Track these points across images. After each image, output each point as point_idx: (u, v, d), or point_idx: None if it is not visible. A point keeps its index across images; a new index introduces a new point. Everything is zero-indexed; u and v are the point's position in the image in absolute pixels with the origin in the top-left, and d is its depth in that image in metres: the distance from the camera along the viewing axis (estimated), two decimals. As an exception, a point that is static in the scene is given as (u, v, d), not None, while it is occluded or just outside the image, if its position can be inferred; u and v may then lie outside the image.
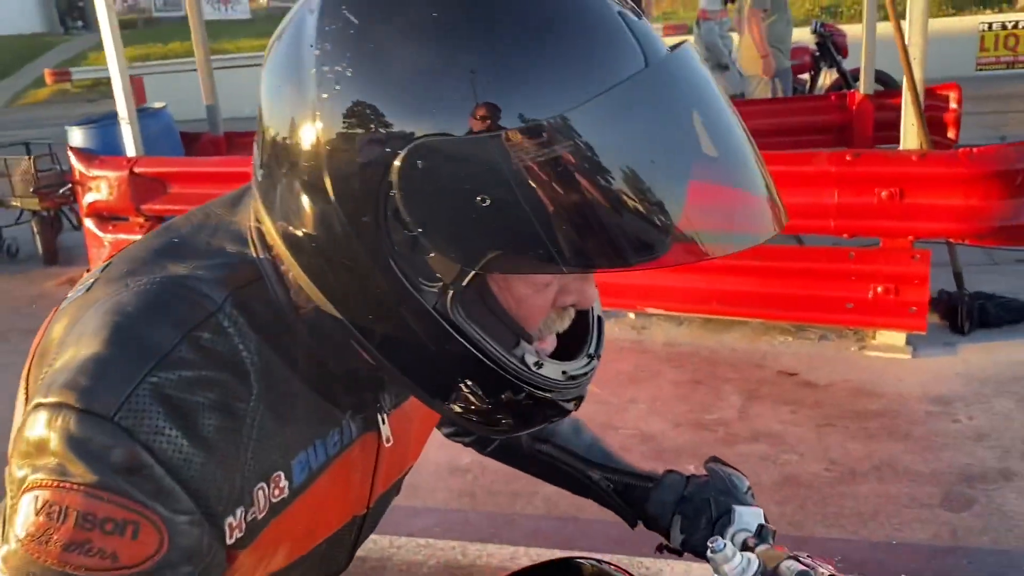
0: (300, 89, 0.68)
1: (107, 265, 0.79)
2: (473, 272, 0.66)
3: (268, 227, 0.74)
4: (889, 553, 2.65)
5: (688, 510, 1.06)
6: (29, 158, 6.48)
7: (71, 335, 0.72)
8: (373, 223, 0.66)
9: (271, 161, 0.72)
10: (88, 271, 0.85)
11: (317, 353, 0.77)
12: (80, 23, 30.86)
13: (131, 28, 30.22)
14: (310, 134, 0.67)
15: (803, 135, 6.06)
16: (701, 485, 1.08)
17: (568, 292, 0.76)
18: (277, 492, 0.76)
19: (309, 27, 0.68)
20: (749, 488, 1.08)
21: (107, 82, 20.91)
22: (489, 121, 0.62)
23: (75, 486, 0.65)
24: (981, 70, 13.56)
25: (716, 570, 0.91)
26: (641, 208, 0.63)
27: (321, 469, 0.80)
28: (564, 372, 0.76)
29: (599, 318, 0.85)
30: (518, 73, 0.63)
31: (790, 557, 0.91)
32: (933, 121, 6.02)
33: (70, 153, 5.88)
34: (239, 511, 0.73)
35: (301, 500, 0.79)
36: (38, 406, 0.68)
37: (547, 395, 0.75)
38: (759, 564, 0.91)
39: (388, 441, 0.87)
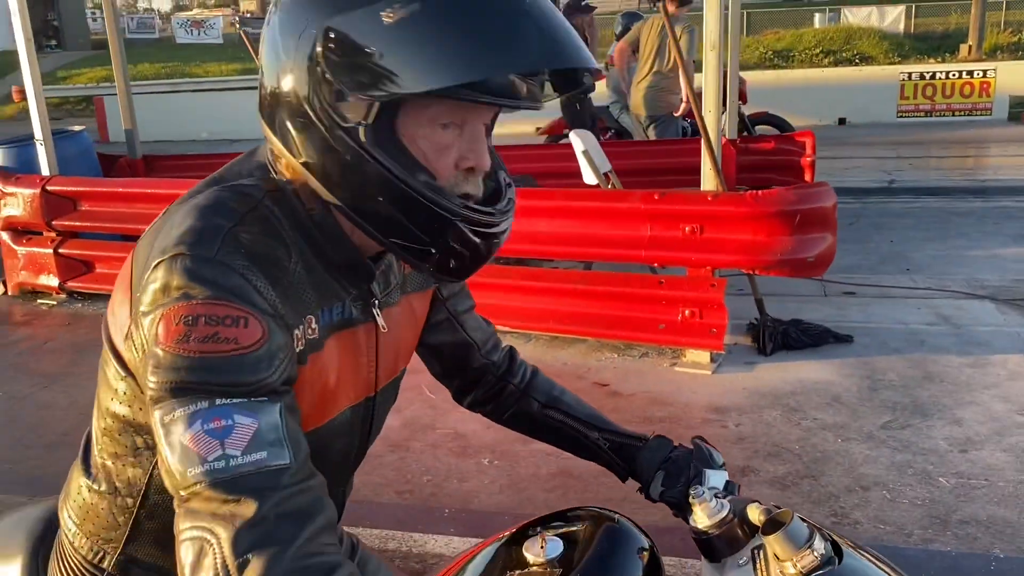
0: (276, 36, 0.99)
1: (176, 200, 1.06)
2: (375, 105, 0.93)
3: (276, 146, 1.02)
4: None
5: (671, 468, 1.30)
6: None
7: (162, 232, 0.97)
8: (318, 94, 0.95)
9: (268, 94, 1.01)
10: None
11: (321, 242, 1.03)
12: (54, 42, 31.25)
13: (103, 48, 30.62)
14: (288, 67, 0.97)
15: (668, 175, 6.46)
16: (686, 452, 1.32)
17: (466, 158, 1.00)
18: (311, 331, 1.02)
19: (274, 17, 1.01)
20: (723, 464, 1.31)
21: (74, 100, 20.83)
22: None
23: (199, 300, 0.89)
24: (902, 116, 14.27)
25: (694, 512, 1.15)
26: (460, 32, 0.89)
27: (332, 329, 1.06)
28: (464, 200, 1.00)
29: (511, 198, 1.09)
30: None
31: (752, 502, 1.11)
32: (791, 165, 6.60)
33: (-11, 170, 6.29)
34: (297, 330, 0.99)
35: (322, 354, 1.04)
36: (156, 265, 0.92)
37: (446, 213, 0.97)
38: (729, 507, 1.14)
39: (384, 329, 1.15)
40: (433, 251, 1.00)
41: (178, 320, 0.88)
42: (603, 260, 5.01)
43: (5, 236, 6.24)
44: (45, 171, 6.07)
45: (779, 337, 4.66)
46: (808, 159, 6.38)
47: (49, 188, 5.95)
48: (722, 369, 4.48)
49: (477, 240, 1.01)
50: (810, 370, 4.40)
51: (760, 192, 4.20)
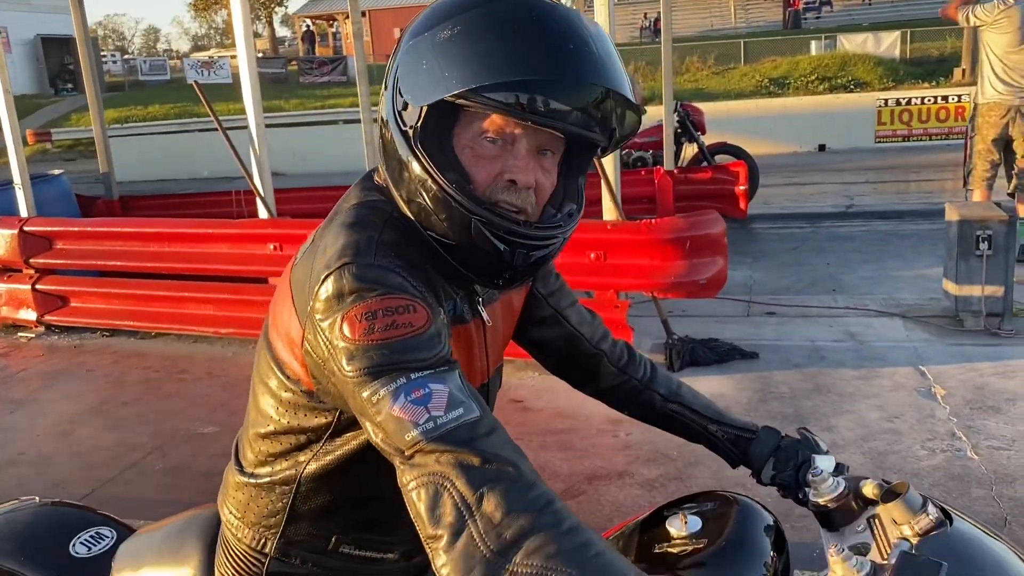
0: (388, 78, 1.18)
1: (319, 227, 1.21)
2: (423, 109, 1.09)
3: (389, 177, 1.17)
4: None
5: (781, 456, 1.43)
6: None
7: (318, 254, 1.11)
8: (392, 111, 1.13)
9: (382, 134, 1.19)
10: None
11: (435, 252, 1.15)
12: (70, 86, 32.19)
13: (119, 91, 31.54)
14: (384, 87, 1.17)
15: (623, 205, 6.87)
16: (793, 441, 1.45)
17: (509, 171, 1.11)
18: (444, 319, 1.11)
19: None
20: (828, 451, 1.43)
21: (86, 142, 21.40)
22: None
23: (374, 298, 1.02)
24: (880, 142, 14.58)
25: (816, 489, 1.28)
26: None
27: (452, 323, 1.17)
28: (494, 205, 1.12)
29: (569, 214, 1.22)
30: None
31: (865, 479, 1.25)
32: (726, 194, 6.95)
33: (-27, 213, 6.76)
34: (441, 316, 1.10)
35: (451, 344, 1.11)
36: (324, 278, 1.05)
37: (464, 210, 1.10)
38: (845, 484, 1.28)
39: (489, 322, 1.28)
40: (458, 246, 1.13)
41: (360, 317, 1.01)
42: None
43: (-13, 273, 6.70)
44: (23, 213, 6.53)
45: (687, 354, 4.98)
46: (741, 188, 6.73)
47: (26, 228, 6.40)
48: (630, 385, 4.79)
49: (499, 244, 1.12)
50: (710, 384, 4.71)
51: (654, 221, 4.55)
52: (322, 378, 1.12)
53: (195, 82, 6.06)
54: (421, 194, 1.11)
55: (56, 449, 4.52)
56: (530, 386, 4.91)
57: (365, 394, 1.00)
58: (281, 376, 1.19)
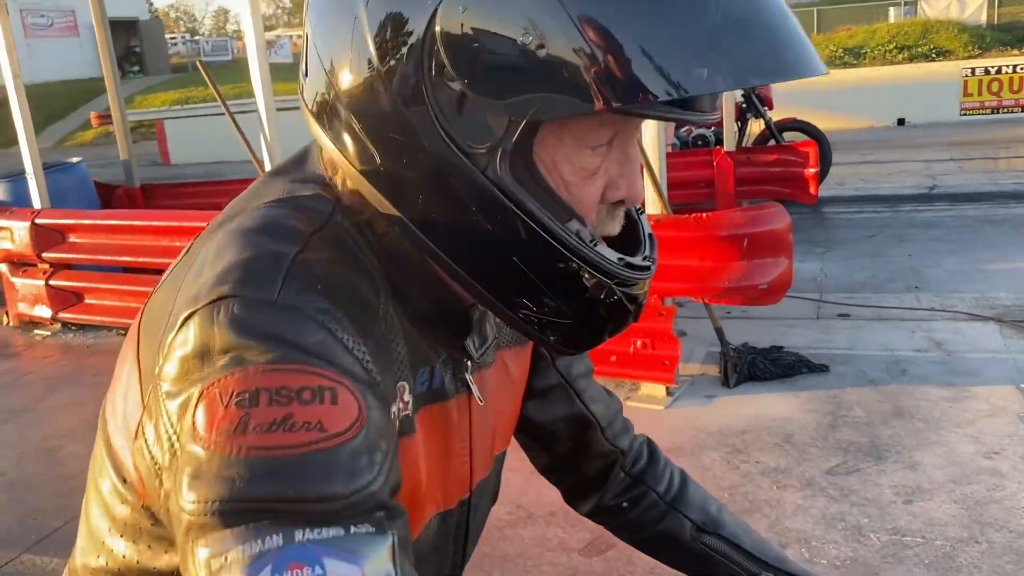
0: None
1: (194, 238, 0.78)
2: (523, 123, 0.64)
3: (329, 150, 0.73)
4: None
5: None
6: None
7: (188, 276, 0.68)
8: (418, 85, 0.65)
9: (321, 83, 0.72)
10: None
11: (401, 284, 0.75)
12: (136, 68, 32.47)
13: (183, 72, 31.74)
14: (356, 28, 0.67)
15: (677, 189, 6.26)
16: None
17: (617, 187, 0.73)
18: (403, 405, 0.73)
19: None
20: None
21: (148, 124, 21.74)
22: None
23: (258, 367, 0.59)
24: (966, 115, 13.50)
25: None
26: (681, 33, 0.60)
27: (420, 403, 0.77)
28: (622, 259, 0.73)
29: (651, 235, 0.82)
30: None
31: None
32: (794, 177, 6.23)
33: (-14, 204, 6.47)
34: (393, 406, 0.70)
35: (414, 440, 0.76)
36: (186, 320, 0.63)
37: (605, 277, 0.71)
38: None
39: (480, 401, 0.85)
40: (570, 321, 0.73)
41: (228, 400, 0.59)
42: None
43: (4, 268, 6.39)
44: (36, 204, 6.19)
45: (744, 368, 4.35)
46: (810, 171, 6.02)
47: (38, 221, 6.05)
48: (679, 403, 4.19)
49: (630, 306, 0.75)
50: (771, 404, 4.08)
51: (705, 215, 3.92)
52: (154, 497, 0.68)
53: (199, 61, 5.61)
54: (494, 246, 0.69)
55: (40, 470, 4.12)
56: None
57: (202, 553, 0.57)
58: (115, 479, 0.74)
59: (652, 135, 4.10)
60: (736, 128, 9.06)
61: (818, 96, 13.20)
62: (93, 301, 6.09)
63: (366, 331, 0.67)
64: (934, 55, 18.90)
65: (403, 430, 0.73)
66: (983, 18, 23.08)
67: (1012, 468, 3.35)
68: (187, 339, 0.62)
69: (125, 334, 0.82)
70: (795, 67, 0.63)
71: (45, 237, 6.06)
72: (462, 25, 0.63)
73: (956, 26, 20.87)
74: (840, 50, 20.32)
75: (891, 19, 23.13)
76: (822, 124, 8.58)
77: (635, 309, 0.76)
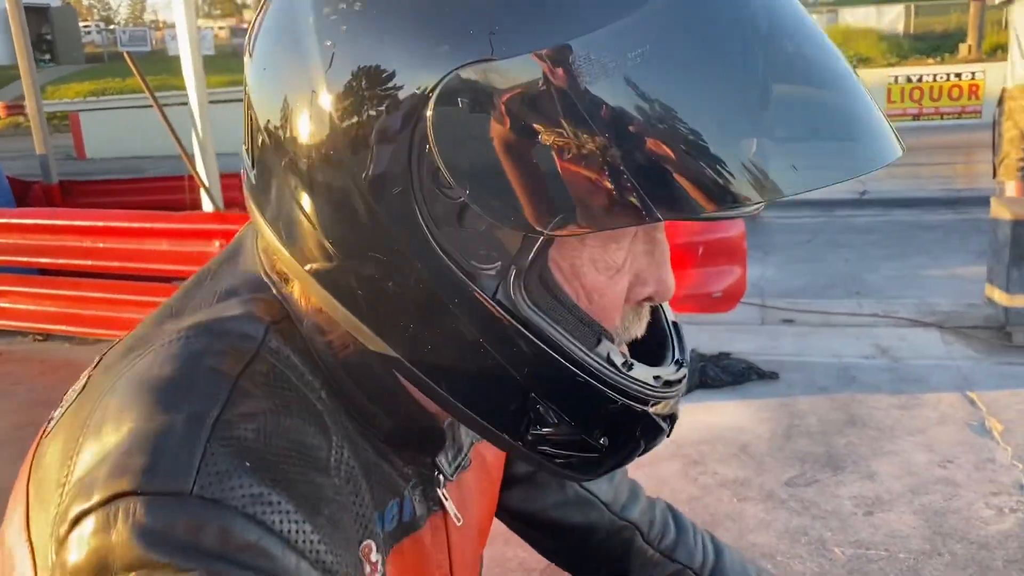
0: (296, 49, 0.54)
1: (96, 363, 0.63)
2: (542, 238, 0.52)
3: (277, 248, 0.60)
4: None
5: None
6: None
7: (85, 435, 0.54)
8: (406, 195, 0.52)
9: (265, 157, 0.58)
10: None
11: (364, 407, 0.62)
12: (48, 56, 31.17)
13: (98, 62, 30.62)
14: (313, 99, 0.53)
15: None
16: None
17: (644, 282, 0.61)
18: (370, 569, 0.60)
19: None
20: None
21: (61, 116, 21.01)
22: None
23: None
24: (890, 121, 13.85)
25: None
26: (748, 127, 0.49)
27: (389, 543, 0.64)
28: (657, 377, 0.61)
29: (675, 323, 0.70)
30: None
31: None
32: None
33: None
34: None
35: None
36: (78, 519, 0.50)
37: (642, 406, 0.59)
38: None
39: (459, 520, 0.72)
40: (597, 454, 0.60)
41: None
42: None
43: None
44: (-57, 201, 5.79)
45: (695, 375, 4.29)
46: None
47: (-55, 219, 5.65)
48: (630, 412, 4.10)
49: (665, 425, 0.62)
50: (724, 413, 4.03)
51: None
52: None
53: (127, 52, 5.31)
54: (504, 374, 0.56)
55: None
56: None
57: None
58: None
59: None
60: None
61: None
62: (7, 304, 5.71)
63: (315, 504, 0.54)
64: (855, 62, 19.42)
65: None
66: (900, 27, 23.83)
67: (967, 477, 3.35)
68: (81, 548, 0.49)
69: (41, 339, 0.65)
70: (880, 157, 0.55)
71: (-47, 236, 5.67)
72: (460, 121, 0.50)
73: (875, 34, 21.52)
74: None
75: (813, 26, 23.76)
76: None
77: (669, 426, 0.63)
